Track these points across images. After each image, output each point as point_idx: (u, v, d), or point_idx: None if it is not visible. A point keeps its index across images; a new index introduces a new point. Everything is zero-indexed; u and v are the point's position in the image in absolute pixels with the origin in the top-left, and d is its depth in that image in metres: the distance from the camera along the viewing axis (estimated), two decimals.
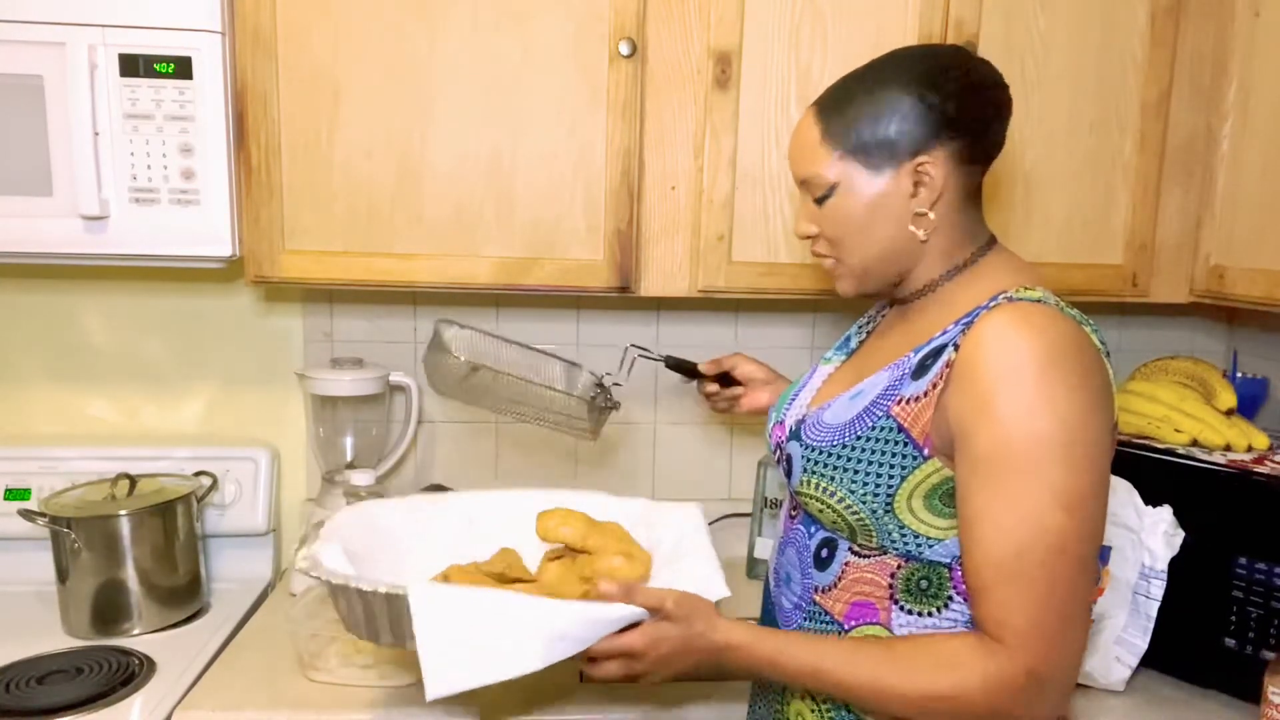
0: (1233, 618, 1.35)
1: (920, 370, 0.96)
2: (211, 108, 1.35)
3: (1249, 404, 1.70)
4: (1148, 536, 1.33)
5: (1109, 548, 1.36)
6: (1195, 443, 1.46)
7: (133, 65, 1.33)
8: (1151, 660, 1.37)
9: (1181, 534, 1.33)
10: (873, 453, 0.96)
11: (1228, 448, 1.45)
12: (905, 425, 0.95)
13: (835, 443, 0.99)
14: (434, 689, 0.94)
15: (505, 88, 1.42)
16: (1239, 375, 1.74)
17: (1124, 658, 1.36)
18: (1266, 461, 1.40)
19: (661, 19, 1.43)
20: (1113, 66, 1.50)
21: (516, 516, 1.30)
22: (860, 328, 1.20)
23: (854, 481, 0.97)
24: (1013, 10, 1.47)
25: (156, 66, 1.33)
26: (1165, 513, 1.34)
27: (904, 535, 0.96)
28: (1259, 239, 1.43)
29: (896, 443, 0.95)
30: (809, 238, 1.06)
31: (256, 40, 1.37)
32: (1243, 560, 1.34)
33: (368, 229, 1.43)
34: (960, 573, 0.95)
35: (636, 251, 1.48)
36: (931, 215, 0.97)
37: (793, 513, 1.11)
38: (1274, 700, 1.21)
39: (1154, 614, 1.33)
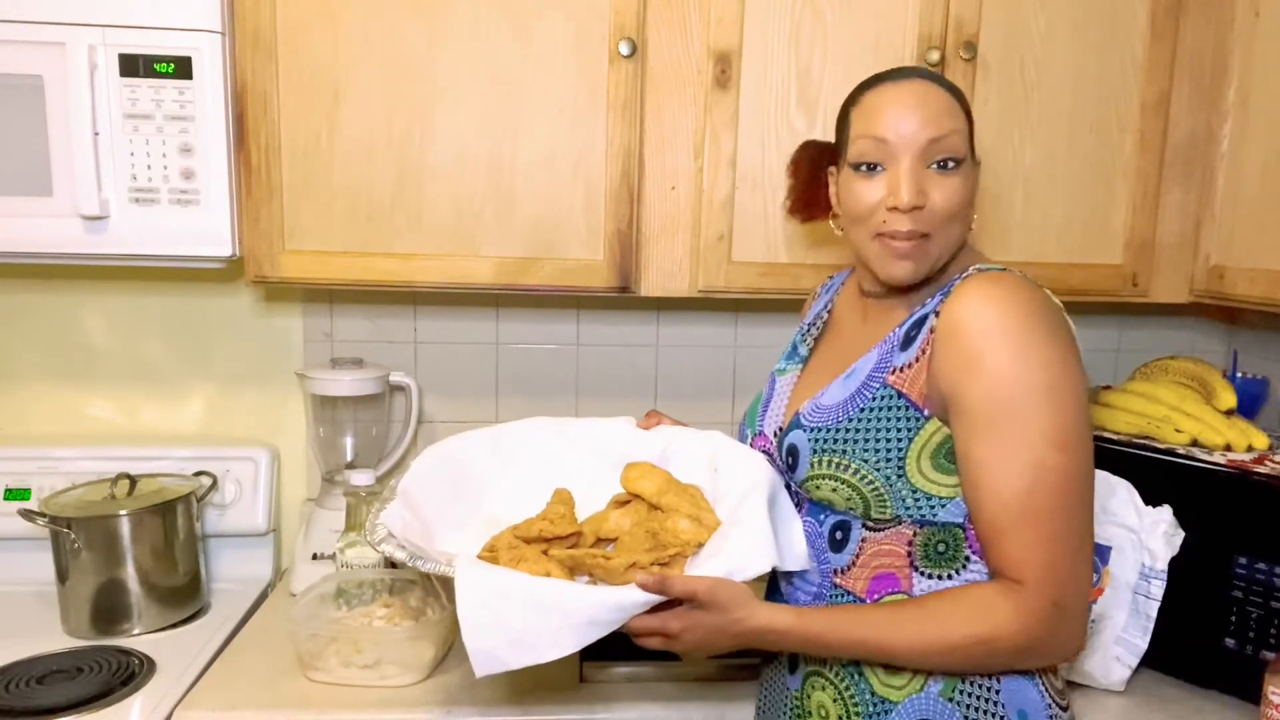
0: (1233, 618, 1.35)
1: (907, 341, 1.02)
2: (211, 108, 1.35)
3: (1249, 404, 1.70)
4: (1148, 536, 1.33)
5: (1109, 548, 1.36)
6: (1195, 443, 1.46)
7: (133, 65, 1.33)
8: (1151, 660, 1.37)
9: (1181, 534, 1.33)
10: (878, 420, 1.01)
11: (1228, 448, 1.45)
12: (904, 390, 1.00)
13: (841, 419, 1.03)
14: (480, 668, 0.97)
15: (505, 88, 1.42)
16: (1239, 375, 1.74)
17: (1124, 658, 1.35)
18: (1266, 461, 1.40)
19: (661, 19, 1.43)
20: (1113, 66, 1.50)
21: (595, 447, 1.28)
22: (803, 336, 1.23)
23: (866, 450, 1.01)
24: (1013, 10, 1.47)
25: (156, 66, 1.33)
26: (1165, 513, 1.34)
27: (916, 499, 1.00)
28: (1259, 239, 1.43)
29: (898, 408, 1.00)
30: (915, 209, 1.00)
31: (256, 40, 1.37)
32: (1243, 560, 1.34)
33: (368, 229, 1.43)
34: (974, 533, 1.00)
35: (636, 251, 1.48)
36: (973, 209, 1.05)
37: (795, 505, 1.12)
38: (1274, 700, 1.21)
39: (1154, 614, 1.33)
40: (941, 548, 1.02)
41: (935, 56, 1.44)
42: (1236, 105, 1.48)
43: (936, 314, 0.99)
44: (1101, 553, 1.36)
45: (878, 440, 1.01)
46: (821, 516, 1.08)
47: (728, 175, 1.46)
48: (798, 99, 1.46)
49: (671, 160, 1.47)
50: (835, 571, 1.07)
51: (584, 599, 0.96)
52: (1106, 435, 1.51)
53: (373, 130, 1.41)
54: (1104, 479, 1.38)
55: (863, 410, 1.02)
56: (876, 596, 1.04)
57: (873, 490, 1.01)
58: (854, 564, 1.05)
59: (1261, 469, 1.36)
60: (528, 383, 1.82)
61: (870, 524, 1.04)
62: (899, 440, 1.00)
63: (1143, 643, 1.34)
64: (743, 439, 1.21)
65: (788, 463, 1.09)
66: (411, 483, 1.19)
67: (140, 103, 1.34)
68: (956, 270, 1.04)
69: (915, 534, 1.02)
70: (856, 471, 1.02)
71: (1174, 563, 1.33)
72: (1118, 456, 1.44)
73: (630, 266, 1.47)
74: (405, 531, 1.10)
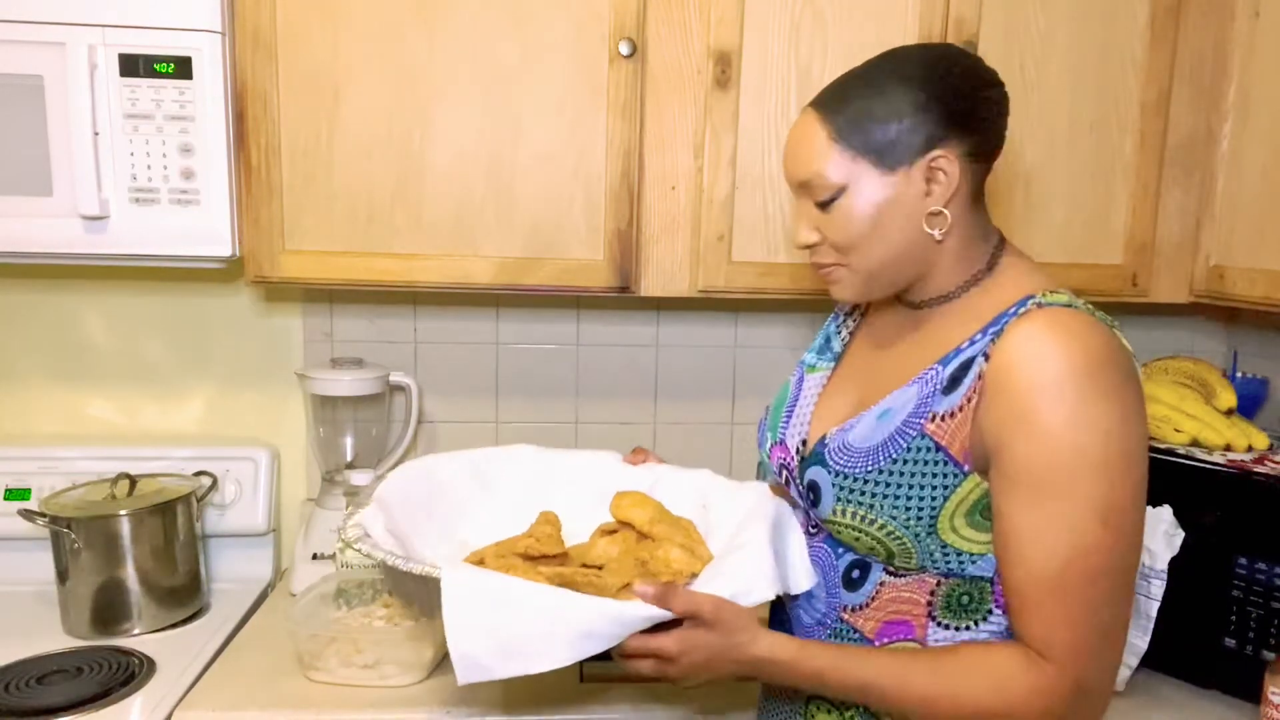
0: (1233, 618, 1.35)
1: (952, 384, 0.93)
2: (211, 108, 1.35)
3: (1249, 404, 1.70)
4: (1148, 536, 1.33)
5: None
6: (1195, 443, 1.46)
7: (133, 65, 1.33)
8: (1151, 660, 1.37)
9: (1181, 534, 1.33)
10: (912, 475, 0.93)
11: (1228, 448, 1.45)
12: (943, 443, 0.92)
13: (870, 468, 0.95)
14: (463, 675, 0.92)
15: (505, 88, 1.42)
16: (1239, 375, 1.74)
17: (1124, 658, 1.35)
18: (1266, 461, 1.40)
19: (661, 19, 1.43)
20: (1113, 66, 1.50)
21: (579, 479, 1.24)
22: (839, 326, 1.16)
23: (895, 507, 0.93)
24: (1013, 10, 1.46)
25: (156, 66, 1.33)
26: (1165, 513, 1.34)
27: (946, 555, 0.94)
28: (1259, 239, 1.43)
29: (935, 462, 0.92)
30: (810, 246, 1.00)
31: (256, 40, 1.37)
32: (1243, 560, 1.34)
33: (368, 229, 1.43)
34: (1001, 586, 0.94)
35: (636, 251, 1.48)
36: (947, 214, 0.94)
37: (811, 530, 1.07)
38: (1274, 700, 1.21)
39: (1154, 614, 1.33)
40: (965, 600, 0.95)
41: None
42: (1236, 105, 1.48)
43: (986, 356, 0.90)
44: None
45: (909, 496, 0.93)
46: (839, 551, 1.02)
47: (728, 175, 1.46)
48: (798, 99, 1.46)
49: (671, 160, 1.47)
50: (845, 607, 1.01)
51: (581, 608, 0.91)
52: None
53: (373, 130, 1.41)
54: None
55: (895, 461, 0.93)
56: (886, 641, 0.98)
57: (899, 544, 0.95)
58: (869, 605, 0.99)
59: (1261, 469, 1.36)
60: (528, 383, 1.82)
61: (891, 569, 0.98)
62: (932, 497, 0.92)
63: (1143, 643, 1.34)
64: (762, 443, 1.14)
65: (809, 498, 1.02)
66: (388, 492, 1.14)
67: (140, 103, 1.34)
68: (1006, 296, 0.95)
69: (939, 584, 0.95)
70: (883, 527, 0.94)
71: (1174, 563, 1.32)
72: None
73: (630, 266, 1.47)
74: (382, 537, 1.06)
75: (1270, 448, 1.47)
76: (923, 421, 0.93)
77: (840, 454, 0.98)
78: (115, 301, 1.72)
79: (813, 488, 1.01)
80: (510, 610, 0.91)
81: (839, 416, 1.04)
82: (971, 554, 0.94)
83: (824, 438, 1.01)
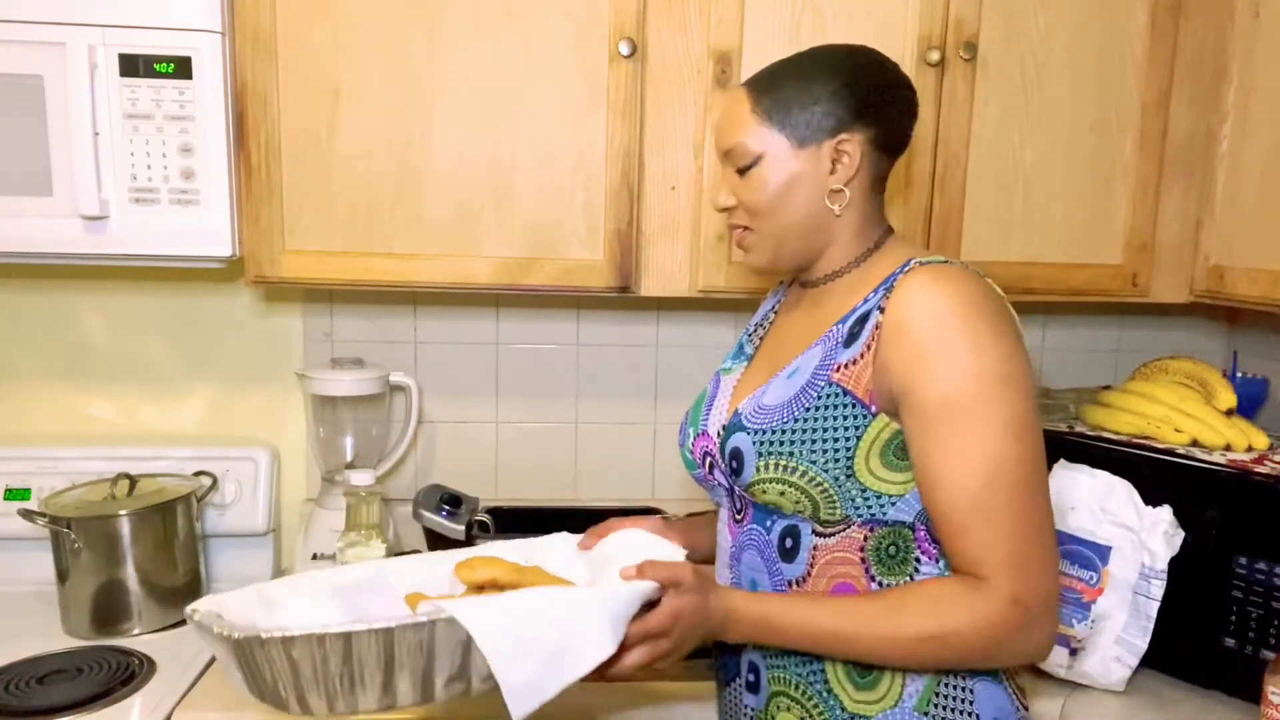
0: (1233, 618, 1.35)
1: (851, 338, 1.01)
2: (211, 108, 1.35)
3: (1249, 404, 1.70)
4: (1148, 536, 1.33)
5: (1109, 548, 1.36)
6: (1195, 443, 1.46)
7: (133, 65, 1.33)
8: (1151, 660, 1.37)
9: (1181, 534, 1.33)
10: (825, 419, 1.00)
11: (1228, 448, 1.45)
12: (849, 388, 0.99)
13: (786, 419, 1.02)
14: (521, 707, 0.88)
15: (505, 88, 1.42)
16: (1239, 375, 1.74)
17: (1124, 658, 1.36)
18: (1266, 461, 1.40)
19: (661, 19, 1.43)
20: (1113, 66, 1.50)
21: (382, 582, 1.10)
22: (750, 335, 1.23)
23: (814, 451, 0.99)
24: (1013, 10, 1.47)
25: (156, 66, 1.33)
26: (1165, 513, 1.34)
27: (866, 498, 1.00)
28: (1259, 239, 1.43)
29: (845, 405, 0.99)
30: (726, 209, 1.10)
31: (256, 40, 1.37)
32: (1243, 560, 1.34)
33: (368, 229, 1.43)
34: (923, 531, 1.00)
35: (636, 251, 1.48)
36: (847, 192, 1.04)
37: (737, 517, 1.11)
38: (1274, 700, 1.21)
39: (1154, 614, 1.33)
40: (893, 550, 1.01)
41: (935, 56, 1.45)
42: (1236, 105, 1.49)
43: (881, 310, 0.99)
44: (1101, 553, 1.36)
45: (825, 440, 0.99)
46: (768, 523, 1.07)
47: None
48: None
49: (671, 160, 1.47)
50: (791, 584, 1.05)
51: (599, 596, 0.91)
52: (1106, 435, 1.51)
53: (373, 130, 1.41)
54: (1104, 479, 1.38)
55: (808, 409, 1.00)
56: None
57: (821, 491, 1.00)
58: (809, 575, 1.04)
59: (1261, 469, 1.36)
60: (528, 383, 1.82)
61: (820, 528, 1.02)
62: (846, 439, 0.99)
63: (1143, 643, 1.34)
64: (684, 439, 1.19)
65: (731, 467, 1.07)
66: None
67: (140, 103, 1.34)
68: (890, 263, 1.04)
69: (866, 537, 1.01)
70: (805, 474, 1.00)
71: (1174, 563, 1.33)
72: (1118, 456, 1.44)
73: (630, 266, 1.47)
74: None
75: (1270, 448, 1.47)
76: (829, 372, 1.01)
77: (756, 415, 1.05)
78: (115, 301, 1.73)
79: (735, 455, 1.06)
80: (542, 620, 0.89)
81: (752, 391, 1.10)
82: (890, 495, 0.99)
83: (738, 409, 1.08)
